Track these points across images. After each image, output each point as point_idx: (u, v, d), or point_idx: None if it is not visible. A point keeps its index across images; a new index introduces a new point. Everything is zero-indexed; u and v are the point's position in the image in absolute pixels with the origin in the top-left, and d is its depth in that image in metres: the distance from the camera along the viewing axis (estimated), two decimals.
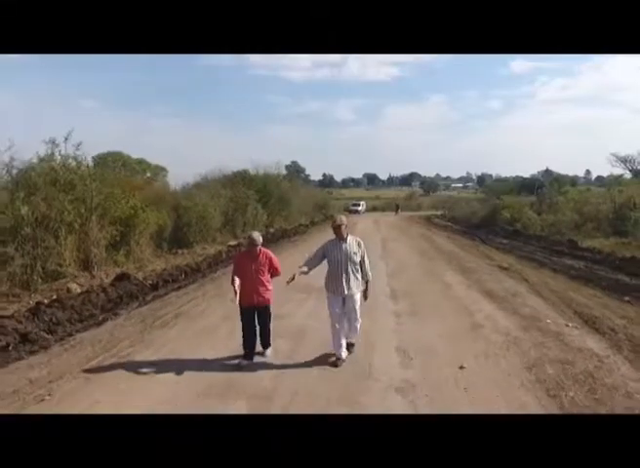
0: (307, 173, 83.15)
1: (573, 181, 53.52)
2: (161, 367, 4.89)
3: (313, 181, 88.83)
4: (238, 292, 4.91)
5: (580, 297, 8.08)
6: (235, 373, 4.67)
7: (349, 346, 5.20)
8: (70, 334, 6.07)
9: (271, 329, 5.24)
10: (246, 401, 4.08)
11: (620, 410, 3.83)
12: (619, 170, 40.17)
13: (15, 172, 9.25)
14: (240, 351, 5.07)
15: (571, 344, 5.55)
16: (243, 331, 5.07)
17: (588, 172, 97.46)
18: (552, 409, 3.87)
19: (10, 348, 5.50)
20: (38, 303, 7.03)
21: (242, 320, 5.09)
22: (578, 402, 3.98)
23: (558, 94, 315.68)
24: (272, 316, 5.26)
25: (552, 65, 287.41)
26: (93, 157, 11.55)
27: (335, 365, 4.90)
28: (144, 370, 4.82)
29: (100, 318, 6.97)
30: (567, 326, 6.33)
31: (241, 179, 23.93)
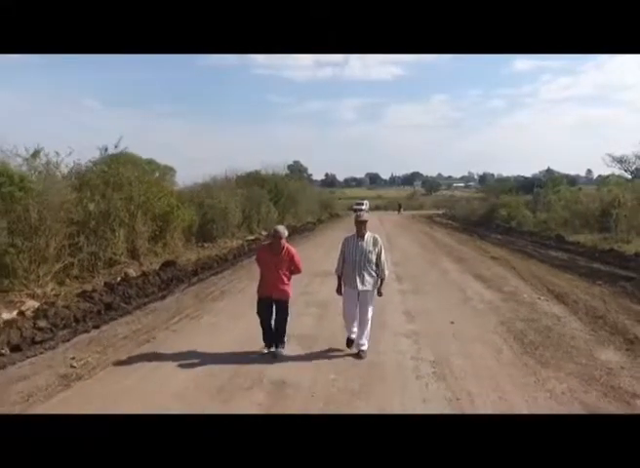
0: (310, 172, 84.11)
1: (573, 181, 54.10)
2: (226, 323, 6.46)
3: (316, 181, 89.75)
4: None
5: (557, 280, 9.62)
6: None
7: (360, 352, 5.12)
8: (144, 304, 7.65)
9: (287, 328, 5.23)
10: (296, 339, 5.63)
11: (565, 346, 5.40)
12: (615, 170, 41.41)
13: (75, 174, 10.83)
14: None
15: (539, 310, 7.11)
16: (261, 323, 5.17)
17: (589, 171, 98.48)
18: (514, 345, 5.45)
19: (102, 313, 7.09)
20: (107, 283, 8.63)
21: (258, 311, 5.16)
22: (534, 341, 5.55)
23: (561, 93, 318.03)
24: (290, 314, 5.28)
25: (555, 64, 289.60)
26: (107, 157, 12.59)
27: (348, 345, 5.28)
28: (214, 324, 6.39)
29: (160, 294, 8.54)
30: (539, 299, 7.89)
31: (253, 180, 25.56)
